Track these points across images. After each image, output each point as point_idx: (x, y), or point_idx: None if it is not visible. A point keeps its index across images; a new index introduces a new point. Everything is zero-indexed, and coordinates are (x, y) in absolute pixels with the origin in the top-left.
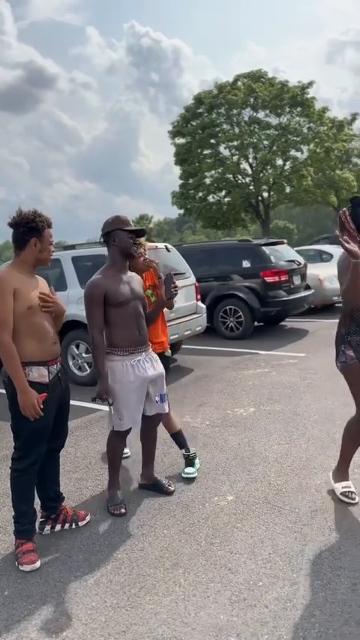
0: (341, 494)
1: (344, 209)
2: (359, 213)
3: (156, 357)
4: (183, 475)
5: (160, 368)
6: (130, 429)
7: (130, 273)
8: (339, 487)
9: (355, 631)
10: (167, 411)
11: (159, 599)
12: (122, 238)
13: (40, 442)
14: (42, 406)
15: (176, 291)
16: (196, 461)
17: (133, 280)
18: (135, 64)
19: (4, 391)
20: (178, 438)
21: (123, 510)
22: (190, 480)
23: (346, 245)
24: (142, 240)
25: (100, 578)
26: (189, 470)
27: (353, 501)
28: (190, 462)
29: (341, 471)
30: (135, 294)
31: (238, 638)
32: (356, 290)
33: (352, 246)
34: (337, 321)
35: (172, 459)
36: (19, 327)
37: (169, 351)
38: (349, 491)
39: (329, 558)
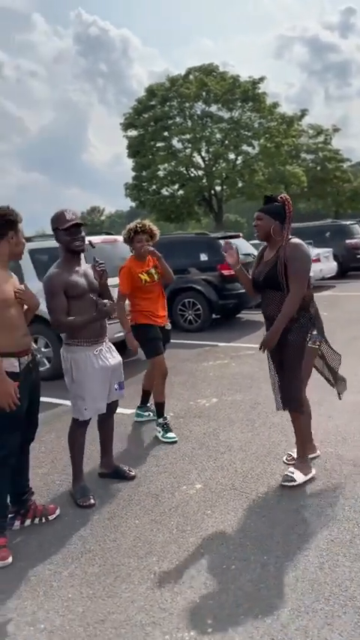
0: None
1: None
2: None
3: (112, 346)
4: (164, 439)
5: (118, 357)
6: (90, 418)
7: (85, 266)
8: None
9: (325, 607)
10: (124, 397)
11: (135, 587)
12: (61, 237)
13: (13, 432)
14: (19, 396)
15: (102, 267)
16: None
17: (88, 272)
18: (82, 53)
19: None
20: (160, 408)
21: (92, 501)
22: (172, 444)
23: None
24: (143, 235)
25: (74, 570)
26: (170, 435)
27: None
28: (168, 427)
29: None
30: (92, 285)
31: (215, 620)
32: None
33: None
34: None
35: (138, 451)
36: None
37: (169, 324)
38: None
39: (297, 540)
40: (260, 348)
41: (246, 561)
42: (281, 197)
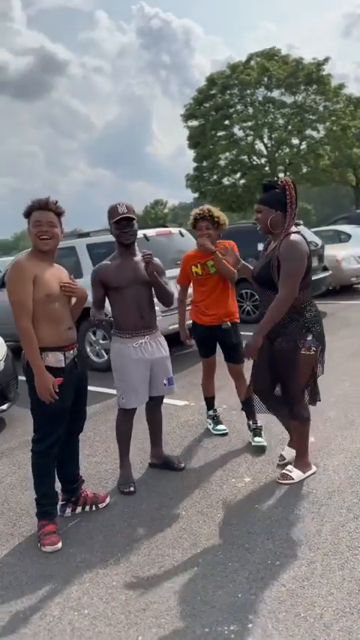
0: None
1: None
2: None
3: (163, 341)
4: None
5: (164, 352)
6: (136, 409)
7: (136, 259)
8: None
9: None
10: (174, 392)
11: (178, 579)
12: (113, 230)
13: (57, 425)
14: (57, 390)
15: (147, 257)
16: (263, 434)
17: (139, 266)
18: (145, 46)
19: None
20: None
21: (132, 489)
22: (261, 449)
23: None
24: (202, 223)
25: (119, 558)
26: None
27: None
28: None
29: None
30: (139, 278)
31: (255, 616)
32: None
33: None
34: (356, 302)
35: (189, 442)
36: (36, 313)
37: (228, 323)
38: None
39: (346, 538)
40: (244, 357)
41: (292, 558)
42: (281, 182)
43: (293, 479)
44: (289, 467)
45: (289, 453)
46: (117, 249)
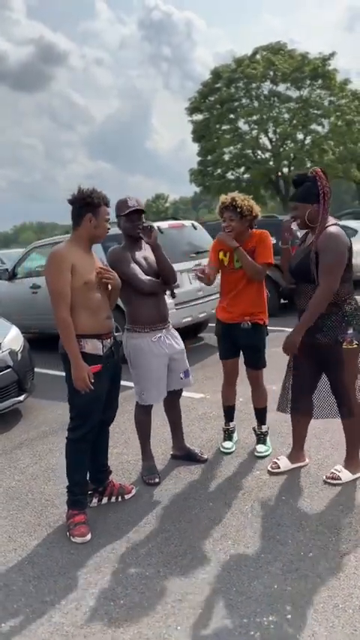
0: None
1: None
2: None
3: (176, 334)
4: (255, 453)
5: (180, 344)
6: (153, 404)
7: (145, 254)
8: None
9: None
10: (191, 384)
11: (211, 570)
12: (122, 223)
13: (93, 413)
14: (92, 380)
15: (146, 225)
16: (268, 439)
17: (149, 256)
18: (147, 38)
19: (43, 370)
20: (263, 413)
21: (157, 480)
22: (260, 459)
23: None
24: (227, 213)
25: (151, 549)
26: (260, 448)
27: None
28: (262, 439)
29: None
30: (152, 267)
31: (293, 607)
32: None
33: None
34: None
35: (209, 435)
36: (75, 301)
37: (248, 323)
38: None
39: None
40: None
41: (324, 549)
42: (311, 172)
43: (341, 479)
44: (338, 466)
45: (285, 464)
46: (125, 243)
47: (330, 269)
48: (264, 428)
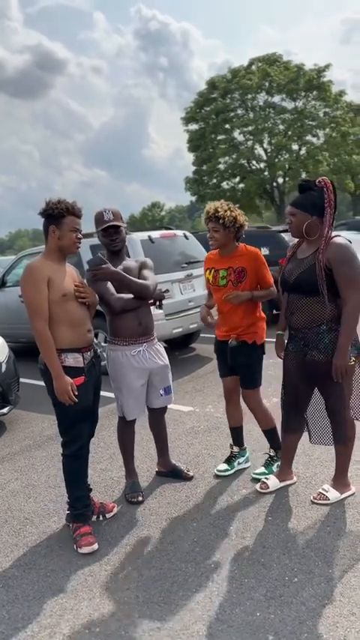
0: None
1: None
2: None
3: (161, 349)
4: (252, 474)
5: (164, 360)
6: (136, 419)
7: (127, 262)
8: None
9: None
10: (172, 402)
11: (192, 595)
12: (100, 237)
13: (84, 425)
14: (77, 393)
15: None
16: (275, 465)
17: (131, 272)
18: (143, 47)
19: (29, 381)
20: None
21: (140, 498)
22: (255, 480)
23: None
24: (210, 224)
25: (130, 572)
26: (259, 469)
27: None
28: (267, 462)
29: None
30: None
31: (276, 637)
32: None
33: None
34: None
35: (196, 450)
36: (54, 314)
37: (234, 342)
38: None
39: None
40: (336, 379)
41: (310, 574)
42: (319, 181)
43: (329, 499)
44: (326, 486)
45: (274, 483)
46: (106, 255)
47: (355, 280)
48: (272, 452)
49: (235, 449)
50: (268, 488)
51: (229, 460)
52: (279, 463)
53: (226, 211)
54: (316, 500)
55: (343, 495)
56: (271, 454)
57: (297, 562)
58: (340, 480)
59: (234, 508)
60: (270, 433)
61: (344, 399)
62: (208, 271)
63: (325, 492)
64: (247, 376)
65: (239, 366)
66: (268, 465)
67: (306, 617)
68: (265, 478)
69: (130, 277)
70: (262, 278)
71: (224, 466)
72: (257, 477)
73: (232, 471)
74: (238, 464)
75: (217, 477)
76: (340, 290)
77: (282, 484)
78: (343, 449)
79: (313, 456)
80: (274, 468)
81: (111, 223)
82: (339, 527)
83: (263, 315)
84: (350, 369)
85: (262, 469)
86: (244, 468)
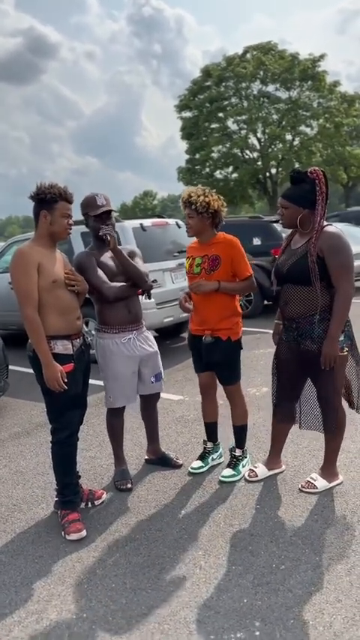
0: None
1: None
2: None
3: (150, 336)
4: (220, 477)
5: (153, 347)
6: (125, 406)
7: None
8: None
9: None
10: (162, 389)
11: (180, 582)
12: (91, 223)
13: (74, 412)
14: (66, 380)
15: (105, 232)
16: (241, 465)
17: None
18: (136, 33)
19: (18, 368)
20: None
21: (129, 485)
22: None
23: None
24: (186, 210)
25: (118, 558)
26: (225, 473)
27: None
28: (232, 463)
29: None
30: (119, 272)
31: (263, 623)
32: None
33: None
34: (355, 300)
35: (185, 439)
36: (44, 301)
37: (209, 338)
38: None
39: (352, 542)
40: (324, 366)
41: (297, 561)
42: (311, 172)
43: (317, 488)
44: (314, 474)
45: (263, 472)
46: (93, 243)
47: (347, 268)
48: (237, 452)
49: (209, 445)
50: (257, 476)
51: (203, 457)
52: (245, 461)
53: (199, 196)
54: (304, 489)
55: (332, 484)
56: (236, 454)
57: (284, 549)
58: (328, 469)
59: (222, 496)
60: (241, 430)
61: (336, 389)
62: (187, 259)
63: (313, 481)
64: (225, 374)
65: (215, 364)
66: (235, 465)
67: (293, 604)
68: (254, 466)
69: (131, 260)
70: (237, 268)
71: (198, 463)
72: (225, 480)
73: (206, 468)
74: (212, 460)
75: (190, 474)
76: (332, 278)
77: (270, 472)
78: (332, 438)
79: (302, 445)
80: (241, 468)
81: (105, 209)
82: (326, 515)
83: (239, 310)
84: (342, 358)
85: (230, 470)
86: (218, 464)
